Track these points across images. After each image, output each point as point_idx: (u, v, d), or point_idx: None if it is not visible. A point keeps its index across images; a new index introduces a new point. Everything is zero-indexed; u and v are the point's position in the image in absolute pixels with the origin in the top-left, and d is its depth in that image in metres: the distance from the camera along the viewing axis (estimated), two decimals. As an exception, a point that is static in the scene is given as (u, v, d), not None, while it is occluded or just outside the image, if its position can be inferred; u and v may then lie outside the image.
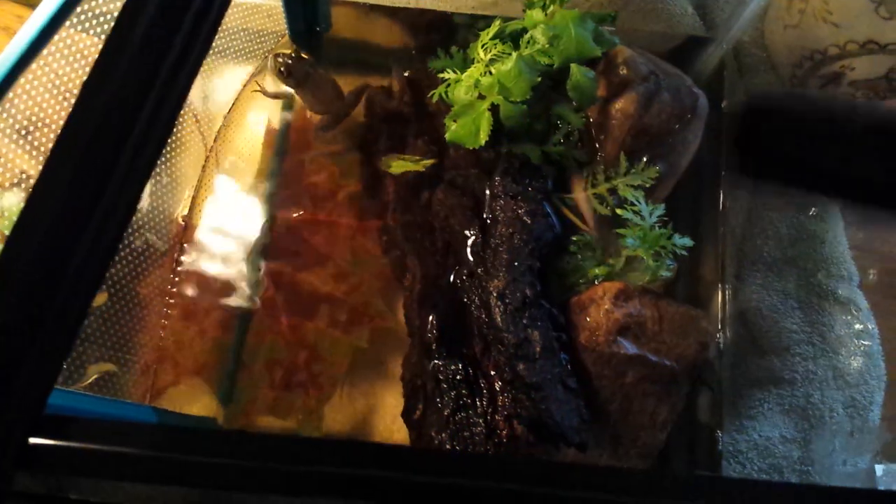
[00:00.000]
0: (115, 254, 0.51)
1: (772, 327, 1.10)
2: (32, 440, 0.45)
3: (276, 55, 1.09)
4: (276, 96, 1.17)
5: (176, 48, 0.57)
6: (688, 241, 0.99)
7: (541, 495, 0.48)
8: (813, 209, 1.15)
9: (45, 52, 0.91)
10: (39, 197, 0.49)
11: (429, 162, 1.07)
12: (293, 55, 1.09)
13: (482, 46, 1.02)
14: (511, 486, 0.48)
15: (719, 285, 1.09)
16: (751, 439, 1.05)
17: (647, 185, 1.01)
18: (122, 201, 0.51)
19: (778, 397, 1.08)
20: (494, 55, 1.00)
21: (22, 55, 0.80)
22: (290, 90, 1.14)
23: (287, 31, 1.20)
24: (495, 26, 1.03)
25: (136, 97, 0.54)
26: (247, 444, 0.47)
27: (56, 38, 0.91)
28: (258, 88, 1.17)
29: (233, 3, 1.18)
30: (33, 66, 0.91)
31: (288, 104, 1.19)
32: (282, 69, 1.08)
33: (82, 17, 0.94)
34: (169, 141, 1.12)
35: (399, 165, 1.07)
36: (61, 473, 0.45)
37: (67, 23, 0.85)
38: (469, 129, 0.97)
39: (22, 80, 0.92)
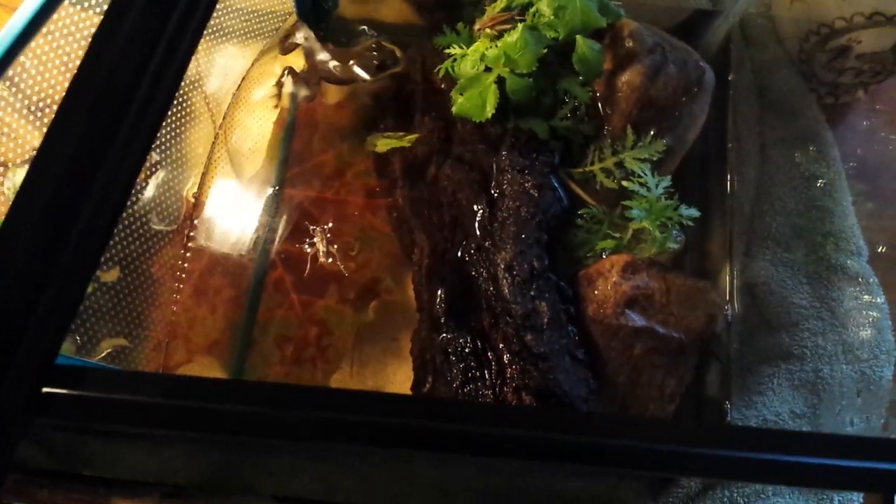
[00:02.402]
0: (120, 215, 0.52)
1: (780, 302, 1.10)
2: (46, 389, 0.46)
3: (290, 71, 1.11)
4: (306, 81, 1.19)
5: (173, 21, 0.57)
6: (694, 212, 0.99)
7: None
8: (821, 182, 1.15)
9: (53, 29, 0.92)
10: (46, 156, 0.49)
11: (413, 137, 1.08)
12: (292, 71, 1.11)
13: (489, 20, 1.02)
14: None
15: (727, 259, 1.09)
16: (760, 415, 1.05)
17: (654, 159, 1.01)
18: (124, 166, 0.52)
19: (787, 372, 1.07)
20: (500, 30, 1.00)
21: (22, 31, 0.80)
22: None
23: (294, 10, 1.20)
24: (503, 1, 1.03)
25: (134, 71, 0.54)
26: (254, 392, 0.48)
27: (64, 15, 0.92)
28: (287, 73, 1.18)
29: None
30: (43, 43, 0.93)
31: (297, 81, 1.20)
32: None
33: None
34: (178, 119, 1.13)
35: (384, 143, 1.07)
36: (74, 421, 0.46)
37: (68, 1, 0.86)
38: (475, 101, 0.97)
39: (30, 56, 0.93)
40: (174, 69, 0.53)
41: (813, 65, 1.21)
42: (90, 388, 0.45)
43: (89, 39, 0.96)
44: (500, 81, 0.98)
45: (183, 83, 1.11)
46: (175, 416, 0.45)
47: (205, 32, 1.15)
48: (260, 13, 1.22)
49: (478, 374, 0.92)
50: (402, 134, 1.08)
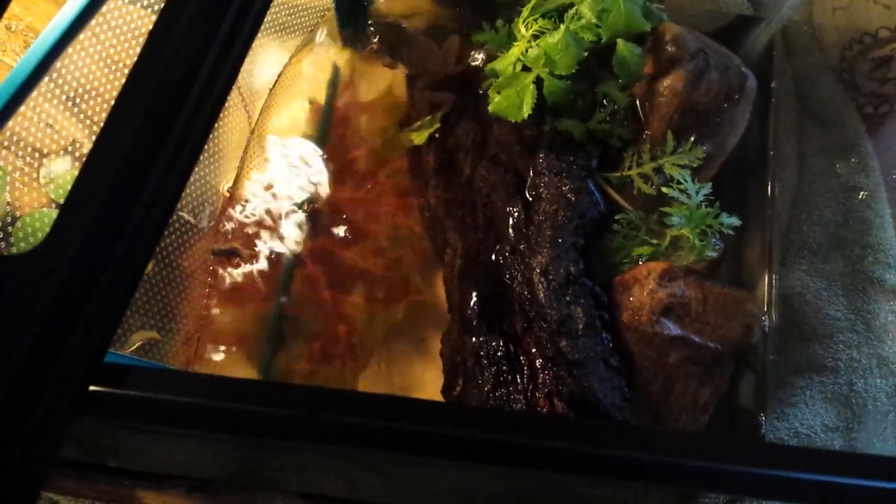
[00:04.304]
0: (170, 217, 0.51)
1: (815, 313, 1.08)
2: (92, 388, 0.45)
3: (370, 24, 1.11)
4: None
5: (228, 22, 0.57)
6: (735, 221, 0.97)
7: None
8: (861, 193, 1.13)
9: (94, 22, 0.92)
10: (97, 161, 0.49)
11: (440, 114, 1.08)
12: (382, 22, 1.11)
13: (523, 22, 1.01)
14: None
15: (766, 269, 1.08)
16: (792, 427, 1.04)
17: (694, 165, 1.00)
18: (175, 170, 0.51)
19: (820, 385, 1.06)
20: (536, 30, 0.99)
21: (69, 25, 0.80)
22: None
23: (332, 5, 1.20)
24: (534, 0, 1.02)
25: (188, 71, 0.54)
26: (297, 395, 0.48)
27: (105, 9, 0.92)
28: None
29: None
30: (81, 36, 0.92)
31: (332, 81, 1.19)
32: (375, 38, 1.11)
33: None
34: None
35: (418, 136, 1.07)
36: (119, 420, 0.45)
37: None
38: (513, 101, 0.96)
39: (70, 49, 0.92)
40: (227, 69, 0.53)
41: (854, 74, 1.19)
42: (136, 387, 0.45)
43: (133, 32, 0.96)
44: (538, 82, 0.97)
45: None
46: (217, 417, 0.44)
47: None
48: (297, 8, 1.21)
49: (509, 378, 0.91)
50: (429, 119, 1.07)
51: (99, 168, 0.46)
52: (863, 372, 1.07)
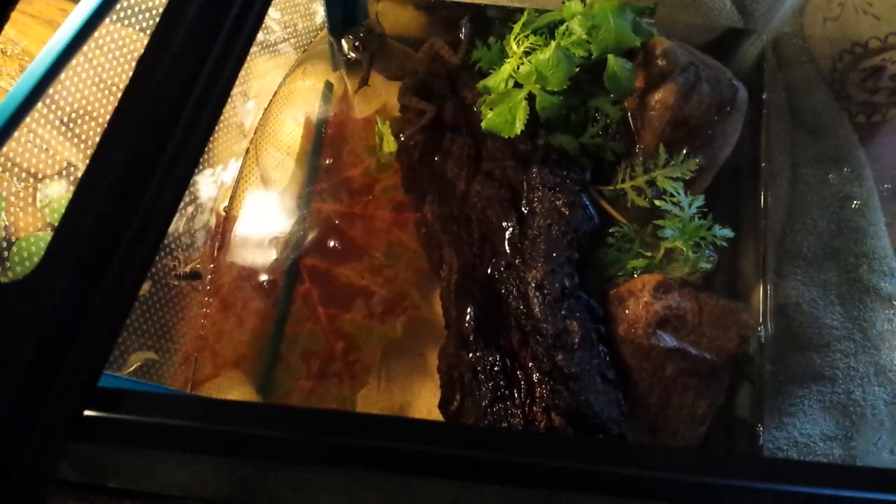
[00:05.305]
0: (163, 239, 0.52)
1: (812, 323, 1.08)
2: (87, 412, 0.46)
3: (348, 33, 1.12)
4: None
5: (219, 44, 0.57)
6: (728, 233, 0.98)
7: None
8: (855, 202, 1.13)
9: (87, 45, 0.92)
10: (90, 184, 0.49)
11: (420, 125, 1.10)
12: (363, 28, 1.12)
13: (514, 39, 1.02)
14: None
15: (760, 279, 1.08)
16: (791, 437, 1.04)
17: (687, 178, 1.00)
18: (168, 191, 0.52)
19: (818, 394, 1.06)
20: (528, 47, 1.00)
21: (65, 48, 0.81)
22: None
23: (326, 25, 1.21)
24: (525, 17, 1.03)
25: (181, 91, 0.54)
26: (293, 418, 0.48)
27: (98, 33, 0.92)
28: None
29: (271, -1, 1.20)
30: (74, 60, 0.93)
31: (326, 96, 1.20)
32: (356, 44, 1.11)
33: (123, 11, 0.95)
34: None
35: (388, 143, 1.11)
36: (113, 445, 0.45)
37: (109, 18, 0.86)
38: (505, 117, 0.97)
39: (64, 73, 0.93)
40: (220, 89, 0.53)
41: (846, 84, 1.20)
42: (130, 411, 0.45)
43: (126, 56, 0.97)
44: (531, 98, 0.98)
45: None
46: (211, 440, 0.45)
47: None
48: (292, 29, 1.22)
49: (507, 392, 0.92)
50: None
51: (90, 193, 0.47)
52: (861, 380, 1.07)
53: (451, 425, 0.86)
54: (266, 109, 1.19)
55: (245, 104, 1.19)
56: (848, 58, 1.17)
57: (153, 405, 0.46)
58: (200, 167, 1.11)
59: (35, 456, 0.44)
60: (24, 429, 0.44)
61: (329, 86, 1.21)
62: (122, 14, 0.96)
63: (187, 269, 1.05)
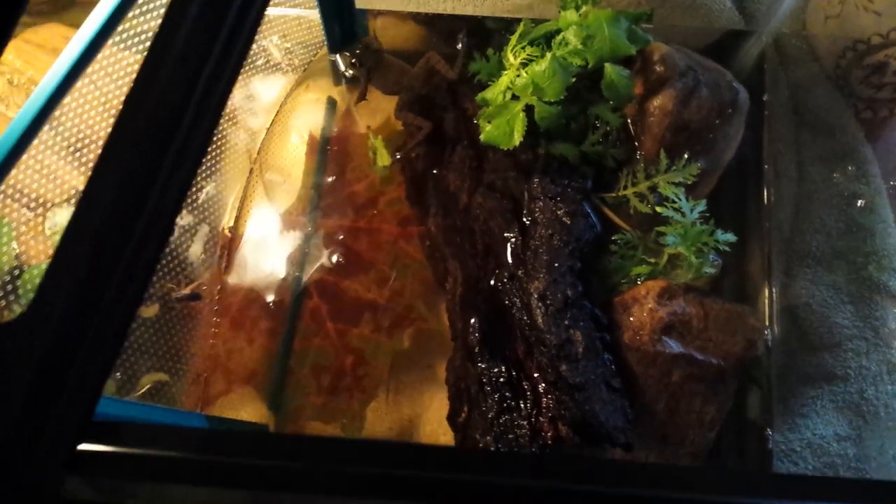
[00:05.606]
0: (159, 261, 0.52)
1: (822, 323, 1.08)
2: (82, 446, 0.47)
3: (344, 51, 1.14)
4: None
5: (211, 63, 0.58)
6: (730, 237, 0.98)
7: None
8: (860, 201, 1.12)
9: (90, 70, 0.94)
10: (85, 210, 0.50)
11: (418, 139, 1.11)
12: (360, 45, 1.13)
13: (511, 50, 1.03)
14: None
15: (766, 281, 1.08)
16: (804, 438, 1.03)
17: (689, 182, 1.00)
18: (163, 212, 0.52)
19: (831, 394, 1.05)
20: (524, 58, 1.00)
21: (67, 74, 0.82)
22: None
23: (325, 43, 1.22)
24: (521, 28, 1.03)
25: (175, 110, 0.55)
26: (292, 446, 0.49)
27: (100, 56, 0.94)
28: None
29: (272, 17, 1.21)
30: (80, 84, 0.95)
31: (330, 113, 1.21)
32: (353, 60, 1.13)
33: (124, 35, 0.97)
34: (215, 153, 1.14)
35: (381, 157, 1.12)
36: (109, 478, 0.46)
37: (111, 41, 0.88)
38: (503, 129, 0.97)
39: (70, 98, 0.95)
40: (214, 105, 0.54)
41: (850, 81, 1.19)
42: (125, 444, 0.46)
43: (124, 79, 0.98)
44: (530, 109, 0.98)
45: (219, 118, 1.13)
46: (213, 472, 0.45)
47: (238, 67, 1.17)
48: (293, 46, 1.23)
49: (513, 404, 0.92)
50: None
51: (81, 229, 0.48)
52: (873, 379, 1.06)
53: (466, 451, 0.86)
54: (269, 127, 1.20)
55: (248, 122, 1.20)
56: (851, 55, 1.16)
57: (148, 436, 0.47)
58: (204, 187, 1.12)
59: (32, 493, 0.45)
60: (19, 467, 0.45)
61: (332, 102, 1.22)
62: (123, 37, 0.98)
63: (187, 290, 1.07)
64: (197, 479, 0.46)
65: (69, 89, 0.84)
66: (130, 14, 0.93)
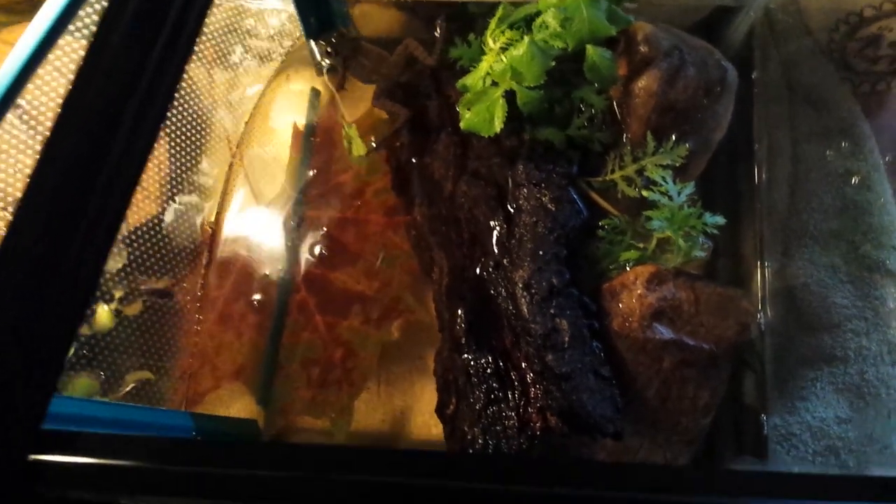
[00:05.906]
0: (106, 260, 0.51)
1: (821, 303, 1.06)
2: (32, 457, 0.46)
3: (319, 40, 1.12)
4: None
5: (161, 43, 0.56)
6: (719, 220, 0.95)
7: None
8: (858, 177, 1.10)
9: (58, 63, 0.92)
10: (28, 207, 0.49)
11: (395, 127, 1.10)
12: (336, 33, 1.12)
13: (490, 35, 1.00)
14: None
15: (758, 262, 1.06)
16: (804, 420, 1.01)
17: (678, 164, 0.98)
18: (114, 197, 0.51)
19: (830, 376, 1.03)
20: (504, 43, 0.98)
21: (24, 64, 0.80)
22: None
23: (302, 31, 1.20)
24: (500, 12, 1.01)
25: (122, 96, 0.53)
26: (259, 454, 0.48)
27: (67, 48, 0.92)
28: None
29: (249, 7, 1.19)
30: (53, 78, 0.93)
31: (313, 103, 1.19)
32: (328, 49, 1.11)
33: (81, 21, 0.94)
34: (194, 147, 1.13)
35: (357, 146, 1.11)
36: (61, 489, 0.45)
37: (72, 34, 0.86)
38: (483, 116, 0.95)
39: (49, 96, 0.93)
40: (164, 88, 0.53)
41: (845, 54, 1.16)
42: (76, 453, 0.45)
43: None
44: (511, 94, 0.96)
45: (197, 111, 1.12)
46: (156, 481, 0.44)
47: (215, 58, 1.16)
48: (270, 36, 1.22)
49: (501, 394, 0.91)
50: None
51: (27, 219, 0.47)
52: (873, 360, 1.04)
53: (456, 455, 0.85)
54: (250, 117, 1.19)
55: (228, 113, 1.18)
56: (844, 28, 1.13)
57: (96, 446, 0.46)
58: (186, 181, 1.11)
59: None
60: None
61: (316, 92, 1.20)
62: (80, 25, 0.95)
63: (159, 285, 1.05)
64: (144, 488, 0.45)
65: (28, 79, 0.82)
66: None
